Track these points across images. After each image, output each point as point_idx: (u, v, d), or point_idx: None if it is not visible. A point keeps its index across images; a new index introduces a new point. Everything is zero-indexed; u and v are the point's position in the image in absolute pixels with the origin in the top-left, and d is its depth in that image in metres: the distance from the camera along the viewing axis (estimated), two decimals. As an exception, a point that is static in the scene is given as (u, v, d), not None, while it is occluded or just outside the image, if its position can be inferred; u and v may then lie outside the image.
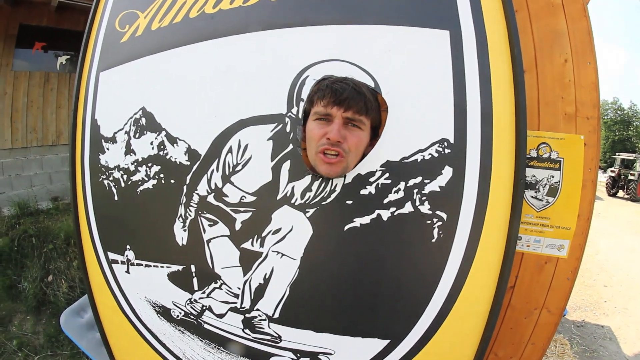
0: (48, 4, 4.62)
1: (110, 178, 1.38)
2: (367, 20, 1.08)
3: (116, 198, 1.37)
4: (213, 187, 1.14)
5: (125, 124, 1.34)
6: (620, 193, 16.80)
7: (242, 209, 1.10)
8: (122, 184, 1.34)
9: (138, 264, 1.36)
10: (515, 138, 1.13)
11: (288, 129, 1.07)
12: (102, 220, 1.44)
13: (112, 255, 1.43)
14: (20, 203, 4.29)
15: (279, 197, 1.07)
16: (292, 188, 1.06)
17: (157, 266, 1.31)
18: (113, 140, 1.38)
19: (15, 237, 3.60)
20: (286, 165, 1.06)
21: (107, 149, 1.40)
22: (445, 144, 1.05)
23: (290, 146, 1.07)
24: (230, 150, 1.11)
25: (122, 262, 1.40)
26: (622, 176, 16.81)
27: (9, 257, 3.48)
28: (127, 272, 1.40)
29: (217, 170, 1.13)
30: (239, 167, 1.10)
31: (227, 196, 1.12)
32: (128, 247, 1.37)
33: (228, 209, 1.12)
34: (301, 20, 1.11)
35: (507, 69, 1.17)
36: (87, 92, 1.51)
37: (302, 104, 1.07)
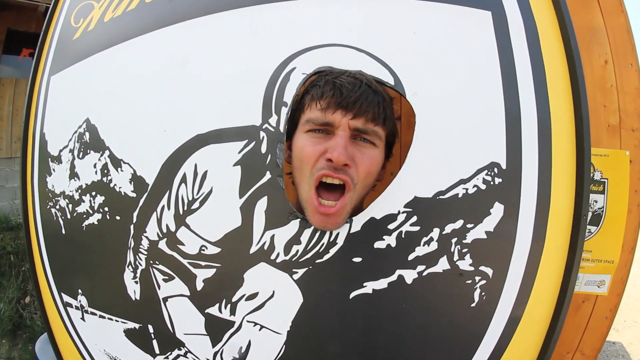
0: (36, 10, 3.61)
1: (57, 207, 0.89)
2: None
3: (63, 231, 0.88)
4: (165, 230, 0.65)
5: (70, 140, 0.85)
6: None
7: (202, 264, 0.61)
8: (68, 215, 0.85)
9: (92, 313, 0.88)
10: (576, 159, 0.66)
11: (264, 148, 0.58)
12: (53, 256, 0.95)
13: (66, 298, 0.94)
14: (1, 217, 3.35)
15: (252, 250, 0.58)
16: (272, 238, 0.57)
17: (111, 319, 0.83)
18: (59, 159, 0.89)
19: (-7, 253, 2.84)
20: (262, 204, 0.57)
21: (53, 170, 0.90)
22: (496, 170, 0.58)
23: (268, 175, 0.58)
24: (184, 180, 0.61)
25: (77, 308, 0.92)
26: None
27: (-15, 276, 2.72)
28: (83, 319, 0.91)
29: (169, 208, 0.63)
30: (196, 205, 0.61)
31: (182, 244, 0.63)
32: (80, 291, 0.89)
33: (185, 262, 0.63)
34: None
35: (562, 63, 0.70)
36: (38, 100, 1.01)
37: (284, 111, 0.58)
